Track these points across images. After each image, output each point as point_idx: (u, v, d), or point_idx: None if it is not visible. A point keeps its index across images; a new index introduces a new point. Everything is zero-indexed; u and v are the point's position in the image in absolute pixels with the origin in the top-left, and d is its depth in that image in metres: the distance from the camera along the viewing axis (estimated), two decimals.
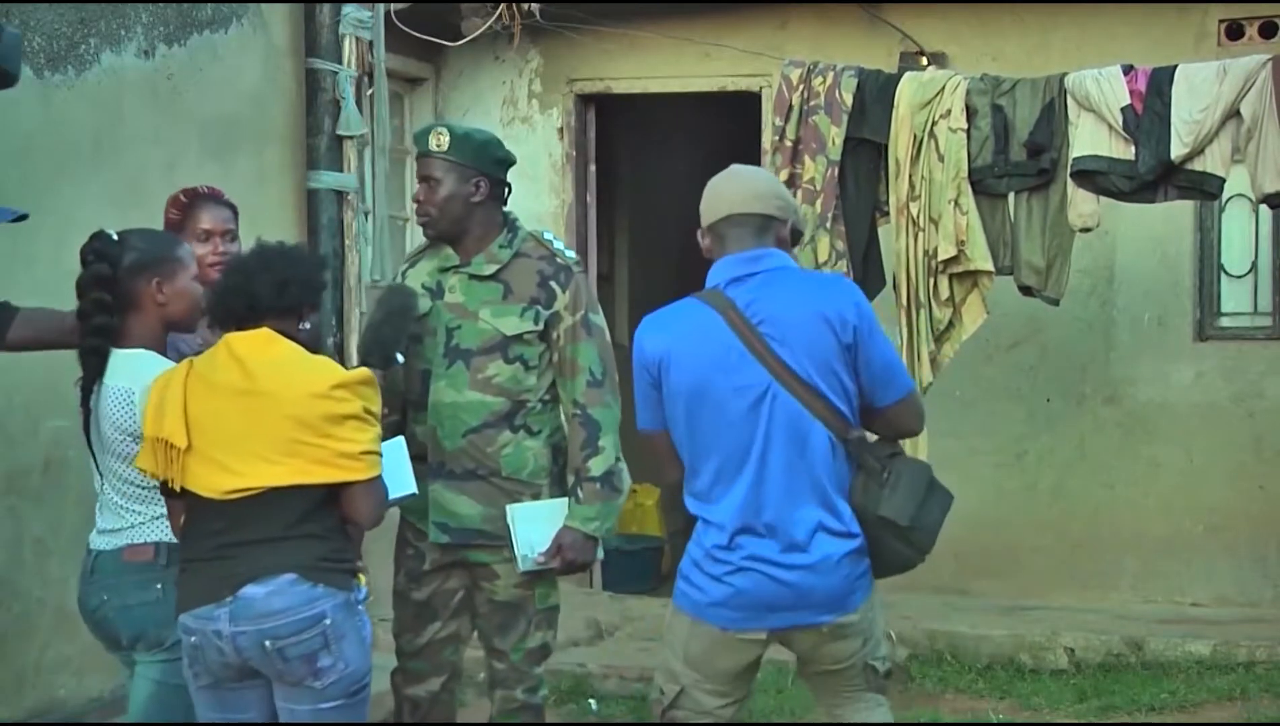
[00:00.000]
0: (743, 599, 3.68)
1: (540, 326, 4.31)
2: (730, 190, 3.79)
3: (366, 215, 6.64)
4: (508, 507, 4.30)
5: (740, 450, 3.66)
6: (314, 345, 3.62)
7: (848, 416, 3.67)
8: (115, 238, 3.67)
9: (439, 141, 4.31)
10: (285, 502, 3.44)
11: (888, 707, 3.92)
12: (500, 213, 4.40)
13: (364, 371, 3.57)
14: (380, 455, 3.52)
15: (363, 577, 3.62)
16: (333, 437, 3.43)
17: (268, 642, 3.41)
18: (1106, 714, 6.13)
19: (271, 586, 3.42)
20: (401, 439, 3.93)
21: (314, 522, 3.47)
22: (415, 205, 4.39)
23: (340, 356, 4.89)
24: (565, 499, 4.35)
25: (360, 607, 3.55)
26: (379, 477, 3.51)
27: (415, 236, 7.92)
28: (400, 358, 4.16)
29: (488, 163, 4.36)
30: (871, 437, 3.78)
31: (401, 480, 3.83)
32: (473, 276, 4.35)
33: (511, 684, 4.42)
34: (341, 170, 6.46)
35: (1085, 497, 7.47)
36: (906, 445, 4.00)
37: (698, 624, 3.75)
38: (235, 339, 3.52)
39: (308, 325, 3.59)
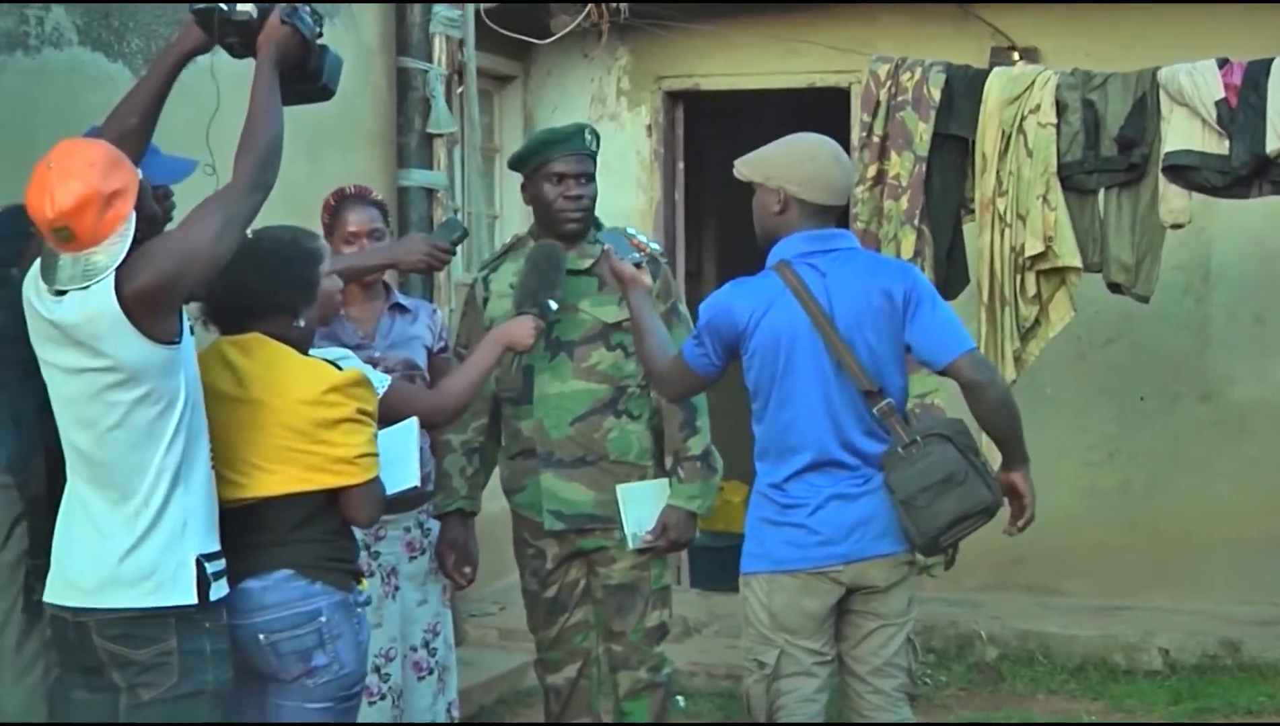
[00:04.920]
0: (816, 535, 3.90)
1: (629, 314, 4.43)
2: (841, 182, 4.03)
3: (456, 212, 6.69)
4: (617, 488, 4.48)
5: (808, 400, 3.89)
6: (308, 341, 3.58)
7: (887, 385, 3.91)
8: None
9: (592, 140, 4.53)
10: (283, 509, 3.43)
11: None
12: None
13: (355, 372, 3.50)
14: (376, 456, 3.48)
15: (364, 582, 3.61)
16: (326, 443, 3.40)
17: (261, 636, 3.38)
18: (1202, 716, 6.06)
19: (268, 581, 3.40)
20: (413, 422, 3.84)
21: (314, 526, 3.46)
22: (570, 200, 4.49)
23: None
24: (667, 479, 4.52)
25: (360, 611, 3.52)
26: (376, 479, 3.48)
27: (505, 234, 7.97)
28: (554, 305, 4.31)
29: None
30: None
31: (405, 471, 3.73)
32: (569, 272, 4.49)
33: (634, 664, 4.59)
34: (431, 168, 6.52)
35: (1180, 497, 7.37)
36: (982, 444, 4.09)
37: (774, 578, 3.95)
38: (226, 343, 3.50)
39: (302, 322, 3.53)
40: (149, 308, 3.15)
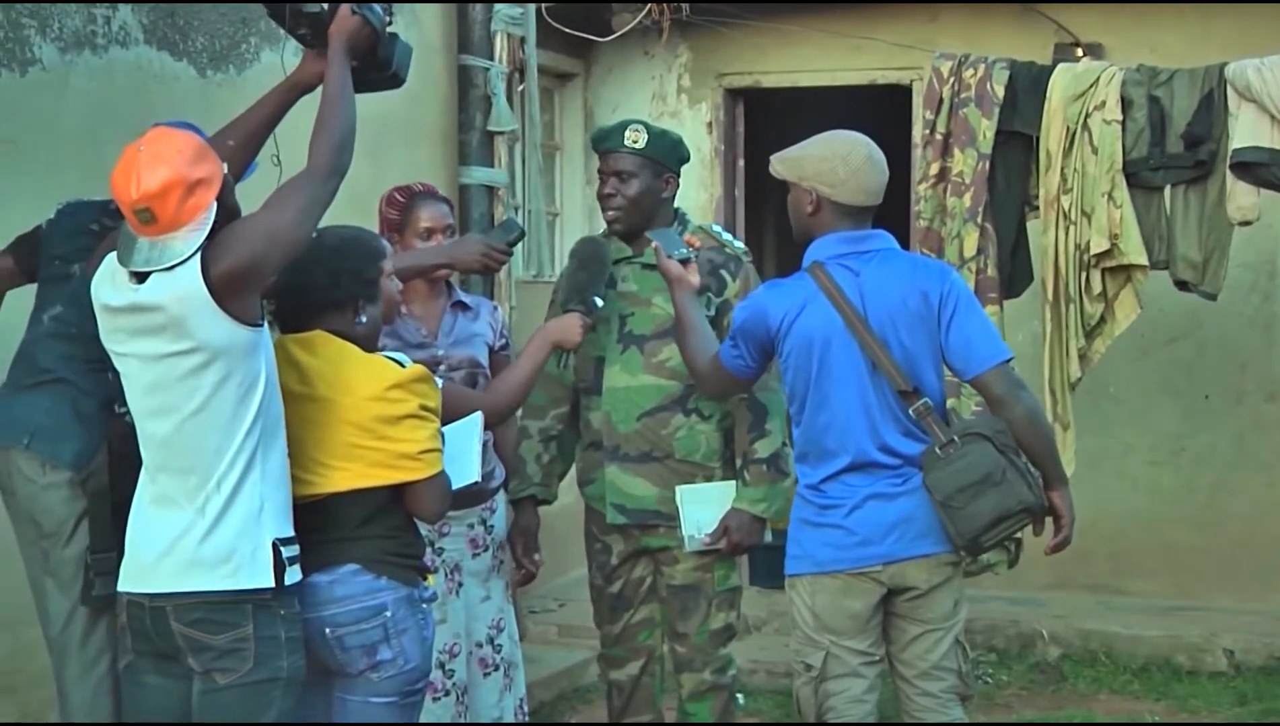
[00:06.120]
0: (854, 536, 3.88)
1: (711, 312, 4.44)
2: (876, 183, 3.98)
3: (517, 210, 6.71)
4: (676, 488, 4.45)
5: (844, 401, 3.87)
6: (373, 339, 3.61)
7: (923, 385, 3.88)
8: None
9: (636, 138, 4.46)
10: (349, 505, 3.45)
11: None
12: (672, 207, 4.57)
13: (419, 369, 3.51)
14: (440, 451, 3.50)
15: (431, 578, 3.63)
16: (389, 439, 3.42)
17: (328, 630, 3.41)
18: (1268, 717, 5.99)
19: (334, 575, 3.42)
20: (477, 417, 3.84)
21: (379, 522, 3.48)
22: (603, 198, 4.51)
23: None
24: (733, 481, 4.49)
25: (425, 606, 3.54)
26: (440, 473, 3.50)
27: (565, 231, 7.99)
28: (599, 302, 4.32)
29: (676, 161, 4.56)
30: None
31: (466, 467, 3.73)
32: (645, 266, 4.50)
33: (698, 666, 4.57)
34: (492, 165, 6.54)
35: (1245, 496, 7.29)
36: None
37: (817, 579, 3.93)
38: (291, 342, 3.52)
39: (364, 318, 3.55)
40: (235, 288, 3.22)
